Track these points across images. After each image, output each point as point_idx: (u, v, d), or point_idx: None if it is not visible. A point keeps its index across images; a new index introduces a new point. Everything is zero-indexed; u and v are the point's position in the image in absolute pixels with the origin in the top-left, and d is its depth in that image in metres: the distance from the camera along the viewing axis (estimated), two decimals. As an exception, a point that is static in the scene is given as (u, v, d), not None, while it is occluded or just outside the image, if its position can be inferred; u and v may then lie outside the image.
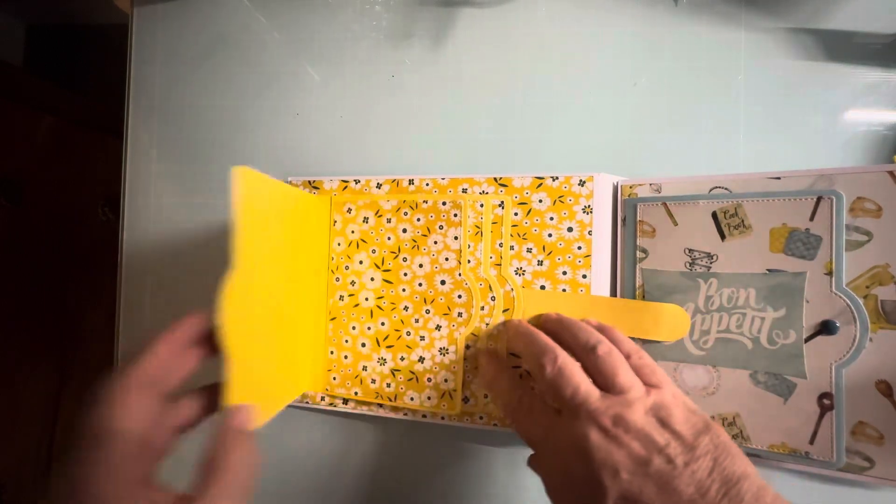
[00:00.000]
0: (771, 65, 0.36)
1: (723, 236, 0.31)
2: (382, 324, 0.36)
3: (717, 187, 0.32)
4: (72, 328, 1.02)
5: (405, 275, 0.36)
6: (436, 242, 0.35)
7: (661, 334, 0.32)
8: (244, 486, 0.23)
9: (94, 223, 1.03)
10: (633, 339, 0.32)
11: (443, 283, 0.35)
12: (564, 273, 0.34)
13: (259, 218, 0.27)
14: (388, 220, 0.36)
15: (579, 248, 0.33)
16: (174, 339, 0.25)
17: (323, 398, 0.38)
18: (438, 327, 0.35)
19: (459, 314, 0.35)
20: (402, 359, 0.36)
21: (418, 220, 0.36)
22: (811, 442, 0.29)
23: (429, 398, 0.35)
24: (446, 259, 0.35)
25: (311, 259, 0.37)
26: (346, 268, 0.37)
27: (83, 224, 1.01)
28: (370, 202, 0.37)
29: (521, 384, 0.30)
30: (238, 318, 0.25)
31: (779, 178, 0.30)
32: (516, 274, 0.34)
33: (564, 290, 0.33)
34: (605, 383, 0.25)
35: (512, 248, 0.35)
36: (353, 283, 0.37)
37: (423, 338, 0.35)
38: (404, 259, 0.36)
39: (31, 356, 0.95)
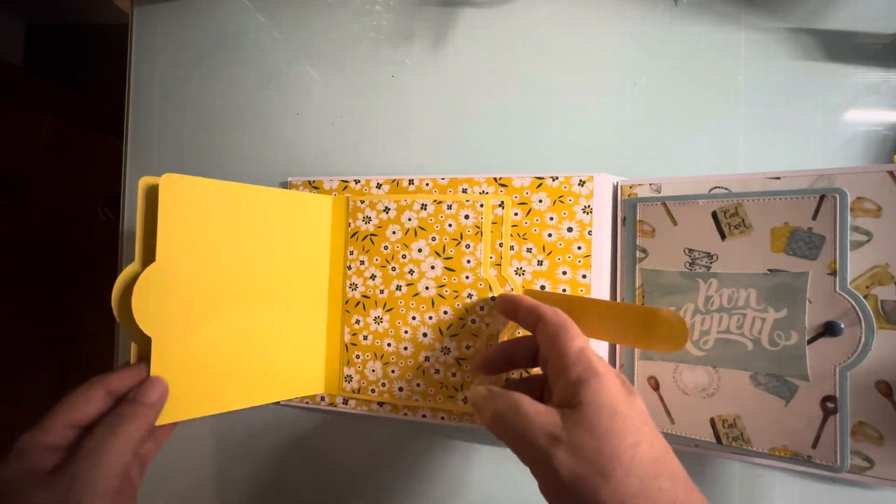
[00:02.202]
0: (771, 65, 0.36)
1: (723, 236, 0.31)
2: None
3: (716, 187, 0.32)
4: (72, 328, 1.01)
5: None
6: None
7: (655, 344, 0.28)
8: (122, 456, 0.26)
9: (94, 223, 1.03)
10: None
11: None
12: (564, 273, 0.34)
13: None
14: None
15: (579, 248, 0.33)
16: (107, 384, 0.28)
17: (323, 398, 0.38)
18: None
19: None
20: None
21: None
22: (814, 446, 0.29)
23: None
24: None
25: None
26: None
27: (83, 224, 1.01)
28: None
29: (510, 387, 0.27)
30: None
31: (779, 178, 0.30)
32: (516, 274, 0.34)
33: (564, 291, 0.33)
34: None
35: (512, 248, 0.35)
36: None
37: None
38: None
39: (31, 356, 0.95)
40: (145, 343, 0.29)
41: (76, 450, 0.25)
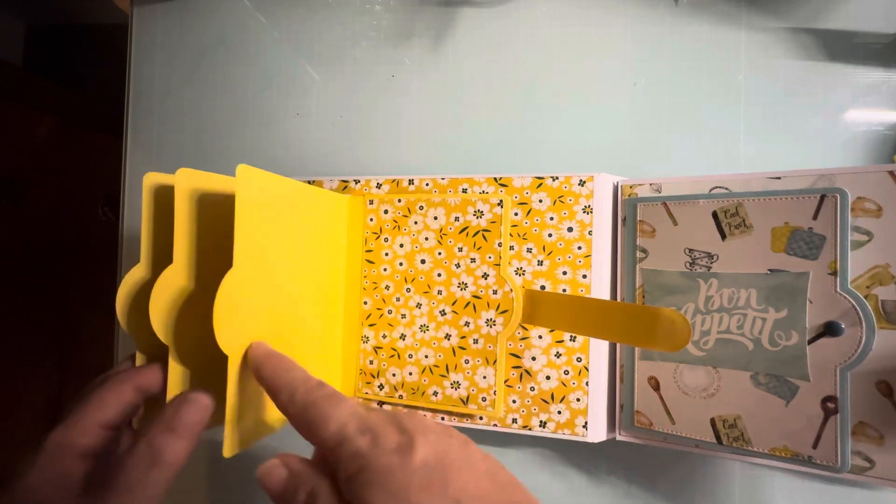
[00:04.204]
0: (771, 65, 0.36)
1: (723, 236, 0.31)
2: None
3: (717, 187, 0.32)
4: (72, 328, 1.02)
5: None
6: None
7: (657, 343, 0.28)
8: (155, 496, 0.23)
9: (94, 223, 1.03)
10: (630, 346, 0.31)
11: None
12: (565, 273, 0.33)
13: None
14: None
15: (579, 248, 0.33)
16: (136, 379, 0.26)
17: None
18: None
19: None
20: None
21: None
22: (814, 446, 0.29)
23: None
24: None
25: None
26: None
27: (83, 224, 1.01)
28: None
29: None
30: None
31: (779, 178, 0.30)
32: (516, 274, 0.34)
33: (564, 291, 0.33)
34: None
35: (512, 248, 0.35)
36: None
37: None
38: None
39: (31, 356, 0.95)
40: (150, 349, 0.28)
41: (109, 483, 0.22)
